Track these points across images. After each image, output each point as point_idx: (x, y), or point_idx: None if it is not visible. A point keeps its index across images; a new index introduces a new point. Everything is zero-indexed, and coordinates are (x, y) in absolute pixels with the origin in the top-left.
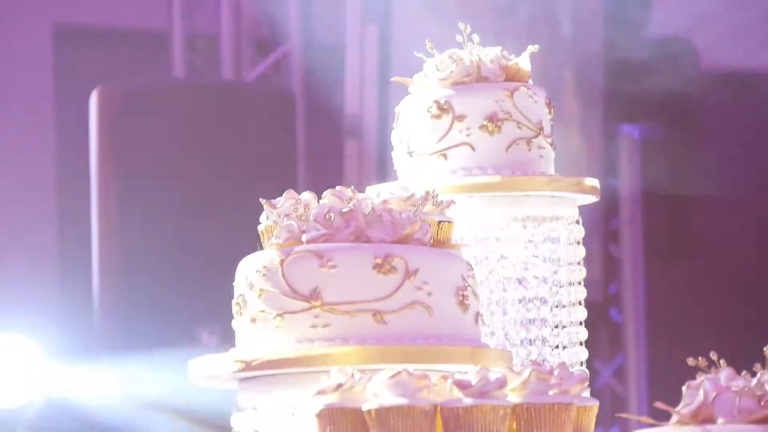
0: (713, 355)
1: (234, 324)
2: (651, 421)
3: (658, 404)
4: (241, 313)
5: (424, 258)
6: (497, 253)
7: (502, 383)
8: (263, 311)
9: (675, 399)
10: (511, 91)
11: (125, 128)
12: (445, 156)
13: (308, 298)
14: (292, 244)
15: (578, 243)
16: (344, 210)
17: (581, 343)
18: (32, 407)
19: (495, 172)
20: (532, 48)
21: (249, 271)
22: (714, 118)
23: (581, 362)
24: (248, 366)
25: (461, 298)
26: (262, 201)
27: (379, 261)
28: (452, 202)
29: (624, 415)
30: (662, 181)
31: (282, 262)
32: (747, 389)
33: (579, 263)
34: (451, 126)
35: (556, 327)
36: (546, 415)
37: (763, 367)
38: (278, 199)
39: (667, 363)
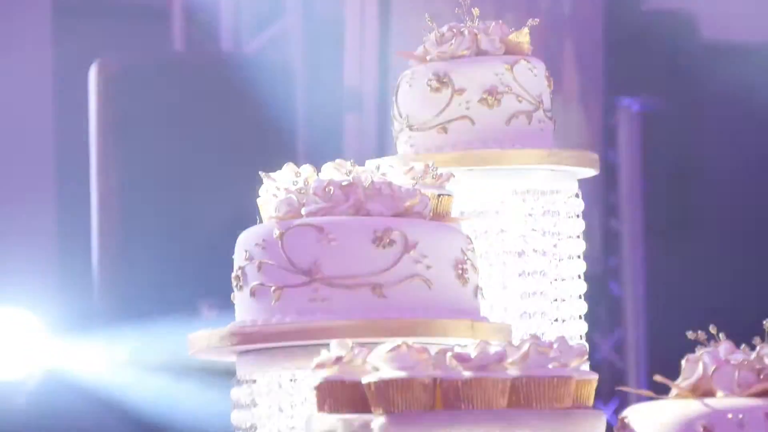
0: (712, 329)
1: (233, 297)
2: (650, 394)
3: (658, 378)
4: (240, 287)
5: (424, 231)
6: (497, 227)
7: (501, 356)
8: (262, 284)
9: (674, 372)
10: (511, 65)
11: (124, 101)
12: (444, 129)
13: (307, 271)
14: (291, 217)
15: (578, 216)
16: (344, 183)
17: (581, 317)
18: (32, 379)
19: (494, 146)
20: (532, 21)
21: (248, 244)
22: (714, 90)
23: (580, 336)
24: (247, 339)
25: (461, 271)
26: (262, 174)
27: (378, 234)
28: (452, 175)
29: (623, 389)
30: (662, 154)
31: (281, 235)
32: (746, 362)
33: (578, 236)
34: (450, 99)
35: (556, 300)
36: (545, 389)
37: (762, 340)
38: (278, 172)
39: (667, 336)
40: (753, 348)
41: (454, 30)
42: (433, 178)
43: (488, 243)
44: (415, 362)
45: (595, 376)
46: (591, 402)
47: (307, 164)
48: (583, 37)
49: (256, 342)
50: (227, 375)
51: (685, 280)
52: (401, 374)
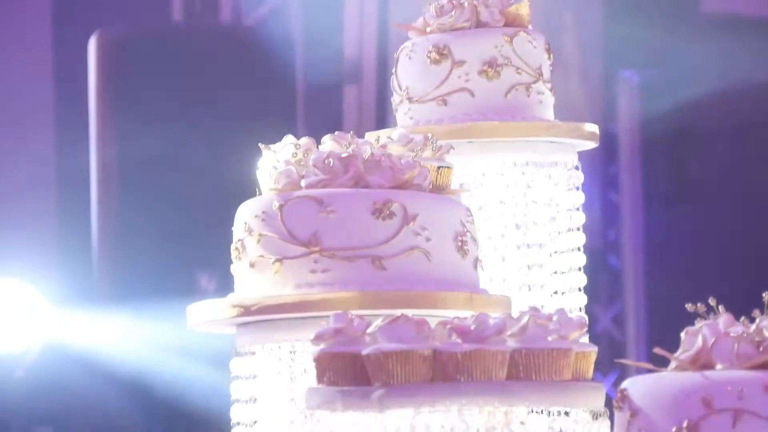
0: (712, 301)
1: (233, 269)
2: (649, 366)
3: (657, 350)
4: (240, 258)
5: (423, 203)
6: (496, 199)
7: (500, 329)
8: (262, 256)
9: (674, 345)
10: (511, 37)
11: (124, 73)
12: (444, 101)
13: (307, 243)
14: (290, 189)
15: (577, 189)
16: (343, 155)
17: (580, 289)
18: (31, 352)
19: (494, 118)
20: None
21: (248, 216)
22: (713, 62)
23: (580, 308)
24: (247, 311)
25: (460, 243)
26: (261, 146)
27: (378, 206)
28: (451, 147)
29: (622, 361)
30: (662, 127)
31: (281, 207)
32: (746, 335)
33: (578, 209)
34: (450, 71)
35: (555, 273)
36: (544, 361)
37: (762, 312)
38: (277, 144)
39: (666, 309)
40: (752, 320)
41: (454, 2)
42: (432, 150)
43: (487, 215)
44: (415, 334)
45: (594, 349)
46: (590, 374)
47: (307, 136)
48: (583, 8)
49: (256, 314)
50: (227, 348)
51: (685, 252)
52: (400, 346)
